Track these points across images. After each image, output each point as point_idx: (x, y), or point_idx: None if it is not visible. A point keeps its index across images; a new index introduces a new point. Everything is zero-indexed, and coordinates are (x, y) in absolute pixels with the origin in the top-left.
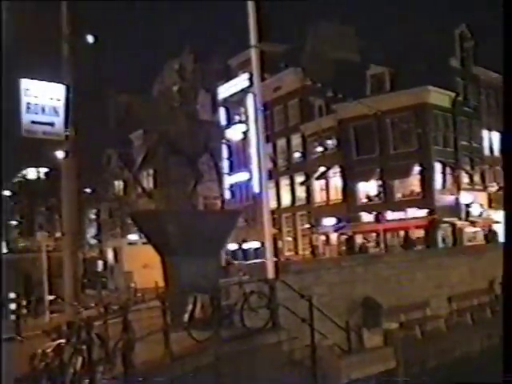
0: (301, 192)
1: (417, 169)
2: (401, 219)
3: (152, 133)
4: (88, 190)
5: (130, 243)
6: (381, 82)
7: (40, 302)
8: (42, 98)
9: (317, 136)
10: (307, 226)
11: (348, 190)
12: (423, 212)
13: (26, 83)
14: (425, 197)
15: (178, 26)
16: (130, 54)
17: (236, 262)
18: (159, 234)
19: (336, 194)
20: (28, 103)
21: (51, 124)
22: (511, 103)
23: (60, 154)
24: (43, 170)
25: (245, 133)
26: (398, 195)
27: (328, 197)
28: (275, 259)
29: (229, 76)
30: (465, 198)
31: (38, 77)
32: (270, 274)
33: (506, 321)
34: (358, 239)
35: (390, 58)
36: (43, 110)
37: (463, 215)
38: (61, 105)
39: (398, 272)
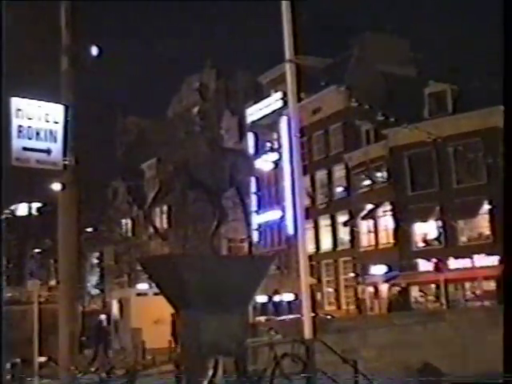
0: (344, 234)
1: (486, 207)
2: (466, 268)
3: (167, 162)
4: (89, 230)
5: (139, 294)
6: (442, 101)
7: (28, 365)
8: (37, 121)
9: (364, 167)
10: (351, 274)
11: (401, 232)
12: (494, 259)
13: (17, 103)
14: (496, 241)
15: (199, 36)
16: (142, 69)
17: (266, 317)
18: (174, 283)
19: (386, 237)
20: (20, 126)
21: (47, 151)
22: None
23: (56, 187)
24: (36, 206)
25: (277, 163)
26: (463, 239)
27: (377, 240)
28: (313, 315)
29: (259, 96)
30: None
31: (31, 95)
32: (307, 332)
33: (506, 321)
34: (414, 292)
35: (453, 73)
36: (37, 134)
37: None
38: (59, 128)
39: (463, 333)
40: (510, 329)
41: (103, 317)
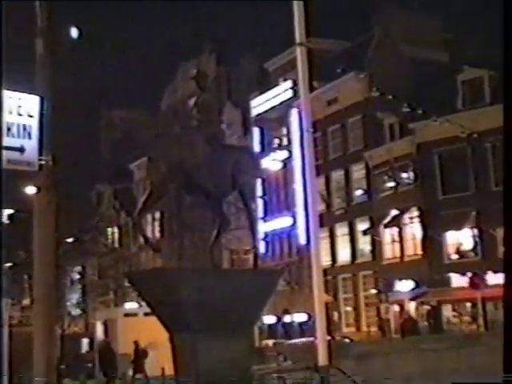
0: (364, 244)
1: None
2: None
3: (159, 162)
4: (70, 240)
5: (128, 314)
6: (478, 90)
7: None
8: (8, 114)
9: (387, 166)
10: (373, 291)
11: (430, 242)
12: None
13: None
14: None
15: (196, 17)
16: (130, 54)
17: (274, 341)
18: (168, 301)
19: (413, 248)
20: None
21: (20, 149)
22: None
23: (31, 190)
24: (7, 213)
25: (286, 162)
26: (503, 249)
27: (402, 251)
28: (328, 338)
29: (265, 85)
30: None
31: (1, 85)
32: (322, 358)
33: (507, 321)
34: (446, 311)
35: (492, 57)
36: (9, 129)
37: None
38: (33, 123)
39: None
40: (510, 329)
41: (85, 341)
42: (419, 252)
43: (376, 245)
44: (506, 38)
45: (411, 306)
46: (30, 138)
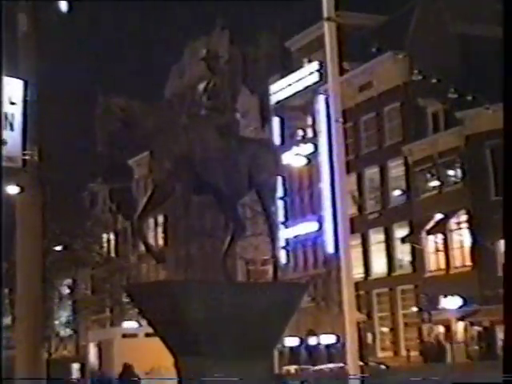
0: (403, 254)
1: None
2: None
3: (163, 157)
4: (58, 249)
5: (126, 335)
6: None
7: None
8: None
9: (430, 162)
10: (414, 309)
11: (481, 252)
12: None
13: None
14: None
15: None
16: (130, 32)
17: (297, 366)
18: (173, 320)
19: (461, 258)
20: None
21: (0, 142)
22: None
23: (13, 190)
24: None
25: (312, 158)
26: None
27: (448, 262)
28: (361, 363)
29: (287, 67)
30: None
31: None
32: None
33: (507, 322)
34: (501, 333)
35: None
36: None
37: None
38: (16, 112)
39: None
40: (510, 329)
41: (75, 366)
42: (468, 263)
43: (417, 254)
44: (506, 38)
45: (459, 327)
46: (11, 128)
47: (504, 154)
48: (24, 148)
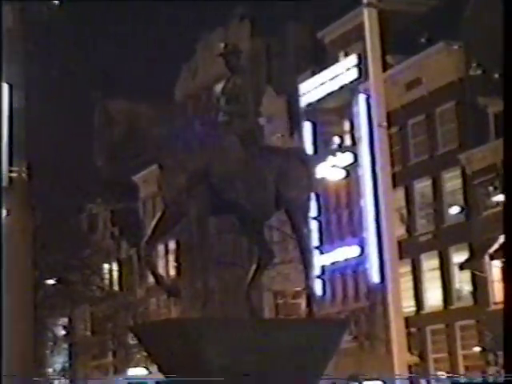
0: (462, 283)
1: None
2: None
3: (175, 172)
4: (52, 282)
5: (132, 383)
6: None
7: None
8: None
9: (492, 173)
10: (476, 349)
11: None
12: None
13: None
14: None
15: None
16: (133, 23)
17: None
18: (188, 364)
19: None
20: None
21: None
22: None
23: None
24: None
25: (351, 170)
26: None
27: None
28: None
29: (319, 62)
30: None
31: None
32: None
33: (507, 322)
34: None
35: None
36: None
37: None
38: (2, 121)
39: None
40: (510, 328)
41: None
42: None
43: (479, 283)
44: (505, 39)
45: None
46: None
47: (504, 154)
48: (10, 163)
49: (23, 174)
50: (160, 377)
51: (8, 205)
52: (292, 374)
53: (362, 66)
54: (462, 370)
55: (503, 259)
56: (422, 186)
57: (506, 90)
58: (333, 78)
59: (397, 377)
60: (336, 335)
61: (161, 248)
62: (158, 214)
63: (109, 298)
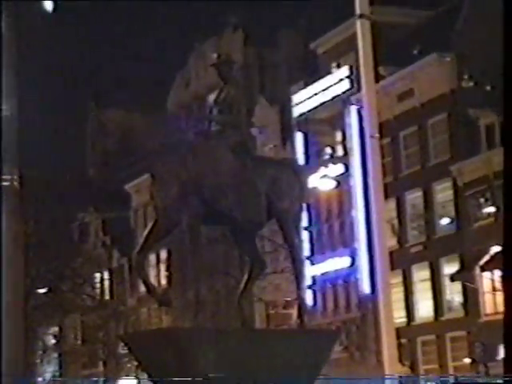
0: (452, 294)
1: None
2: None
3: (167, 182)
4: (42, 291)
5: None
6: None
7: None
8: None
9: (484, 185)
10: (467, 360)
11: None
12: None
13: None
14: None
15: None
16: (126, 32)
17: None
18: (180, 374)
19: None
20: None
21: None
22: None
23: None
24: None
25: (342, 180)
26: None
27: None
28: None
29: (312, 73)
30: None
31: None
32: None
33: (507, 322)
34: None
35: None
36: None
37: None
38: None
39: None
40: (510, 328)
41: None
42: None
43: (469, 295)
44: (505, 40)
45: None
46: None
47: (504, 156)
48: (1, 172)
49: (15, 183)
50: None
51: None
52: (284, 383)
53: (354, 77)
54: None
55: (502, 267)
56: (414, 197)
57: (506, 98)
58: (325, 88)
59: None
60: (327, 346)
61: (152, 257)
62: (150, 224)
63: (100, 307)
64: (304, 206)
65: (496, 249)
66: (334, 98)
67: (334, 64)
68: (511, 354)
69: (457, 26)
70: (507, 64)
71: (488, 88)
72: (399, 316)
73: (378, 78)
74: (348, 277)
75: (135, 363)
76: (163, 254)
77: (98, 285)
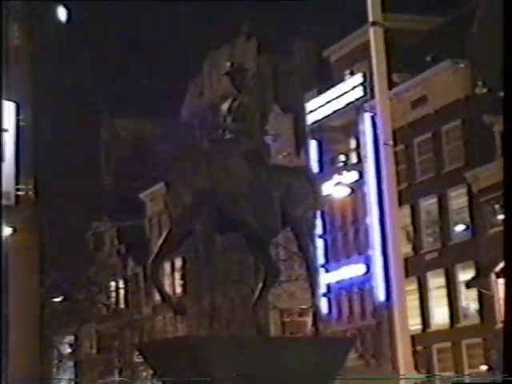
0: (468, 301)
1: None
2: None
3: (181, 190)
4: (58, 299)
5: None
6: None
7: None
8: None
9: (499, 191)
10: (483, 367)
11: None
12: None
13: None
14: None
15: None
16: (139, 41)
17: None
18: (195, 383)
19: None
20: None
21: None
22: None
23: (5, 232)
24: None
25: (356, 187)
26: None
27: None
28: None
29: (325, 81)
30: None
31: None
32: None
33: (507, 322)
34: None
35: None
36: None
37: None
38: (8, 140)
39: None
40: (510, 328)
41: None
42: None
43: (485, 301)
44: (506, 42)
45: None
46: (2, 159)
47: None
48: (17, 182)
49: (30, 192)
50: None
51: (15, 223)
52: None
53: (367, 84)
54: None
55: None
56: (428, 203)
57: (506, 105)
58: (338, 96)
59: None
60: (342, 353)
61: (167, 266)
62: (165, 232)
63: (115, 315)
64: (318, 213)
65: None
66: (347, 105)
67: (347, 71)
68: (511, 354)
69: (470, 32)
70: (507, 69)
71: (502, 94)
72: (414, 323)
73: (391, 85)
74: (363, 284)
75: (151, 372)
76: (178, 263)
77: (113, 293)
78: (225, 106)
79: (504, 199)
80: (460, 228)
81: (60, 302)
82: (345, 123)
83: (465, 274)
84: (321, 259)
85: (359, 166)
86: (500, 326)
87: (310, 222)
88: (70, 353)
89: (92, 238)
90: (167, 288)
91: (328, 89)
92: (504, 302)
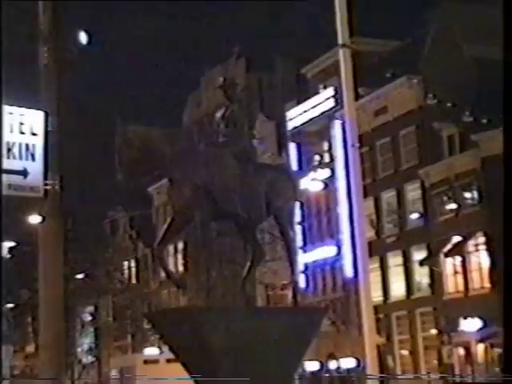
0: (421, 276)
1: None
2: None
3: (182, 185)
4: (80, 276)
5: (147, 361)
6: None
7: None
8: (9, 133)
9: (446, 185)
10: (433, 331)
11: (501, 273)
12: None
13: None
14: None
15: (222, 16)
16: (147, 61)
17: None
18: (194, 346)
19: (480, 280)
20: None
21: (22, 173)
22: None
23: (35, 220)
24: (8, 246)
25: (329, 182)
26: None
27: (467, 284)
28: None
29: (303, 93)
30: None
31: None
32: None
33: (507, 322)
34: None
35: None
36: (9, 150)
37: None
38: (37, 142)
39: None
40: (510, 328)
41: None
42: (487, 285)
43: (435, 277)
44: (505, 44)
45: (479, 349)
46: (33, 159)
47: (504, 155)
48: (45, 178)
49: (56, 187)
50: (170, 355)
51: (43, 212)
52: (281, 353)
53: (337, 96)
54: (421, 349)
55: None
56: (388, 196)
57: (506, 104)
58: (314, 106)
59: (368, 355)
60: (317, 320)
61: (171, 248)
62: (169, 220)
63: (128, 289)
64: (297, 204)
65: (457, 238)
66: (321, 114)
67: (321, 86)
68: (511, 354)
69: (423, 53)
70: (507, 69)
71: (449, 104)
72: (377, 295)
73: (357, 97)
74: (334, 263)
75: (157, 336)
76: (180, 246)
77: (126, 271)
78: (219, 114)
79: (504, 204)
80: (415, 216)
81: (82, 278)
82: (319, 129)
83: (418, 255)
84: (299, 242)
85: (331, 165)
86: (447, 297)
87: (290, 211)
88: (90, 320)
89: (108, 224)
90: (171, 267)
91: (305, 100)
92: (504, 303)
